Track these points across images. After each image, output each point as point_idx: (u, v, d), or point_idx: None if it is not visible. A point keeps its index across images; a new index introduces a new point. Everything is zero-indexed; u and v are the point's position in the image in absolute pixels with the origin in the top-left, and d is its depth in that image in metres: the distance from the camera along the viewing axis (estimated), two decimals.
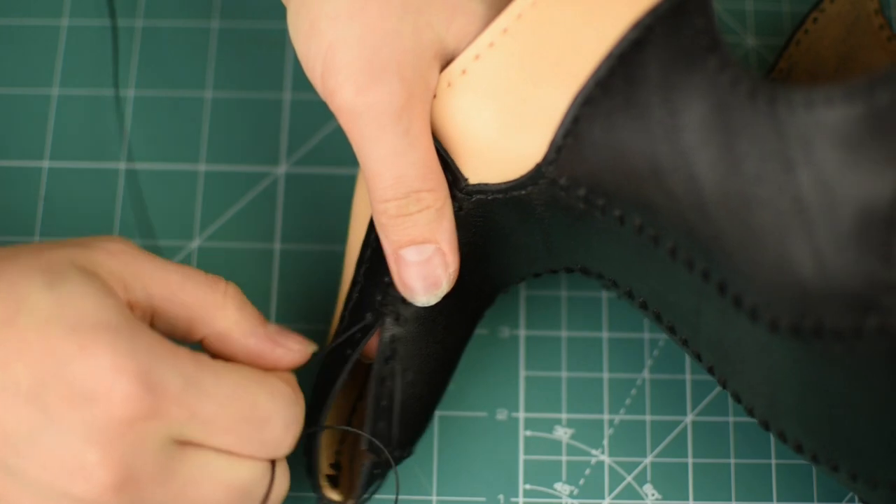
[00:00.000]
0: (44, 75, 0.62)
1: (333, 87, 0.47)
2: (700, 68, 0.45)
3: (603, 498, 0.56)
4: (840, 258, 0.43)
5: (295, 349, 0.48)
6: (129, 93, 0.62)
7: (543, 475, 0.56)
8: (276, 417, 0.46)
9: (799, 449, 0.48)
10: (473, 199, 0.50)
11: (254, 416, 0.45)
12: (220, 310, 0.48)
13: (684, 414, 0.57)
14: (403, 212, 0.48)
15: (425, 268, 0.49)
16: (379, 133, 0.47)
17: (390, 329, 0.50)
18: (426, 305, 0.50)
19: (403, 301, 0.50)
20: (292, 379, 0.48)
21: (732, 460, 0.56)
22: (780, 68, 0.55)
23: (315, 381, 0.51)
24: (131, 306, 0.46)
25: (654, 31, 0.46)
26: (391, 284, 0.50)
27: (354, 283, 0.52)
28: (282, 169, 0.60)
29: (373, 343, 0.52)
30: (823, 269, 0.43)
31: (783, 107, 0.44)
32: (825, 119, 0.43)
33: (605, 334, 0.58)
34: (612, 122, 0.46)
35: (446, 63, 0.49)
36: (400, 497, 0.56)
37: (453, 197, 0.50)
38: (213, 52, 0.62)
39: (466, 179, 0.49)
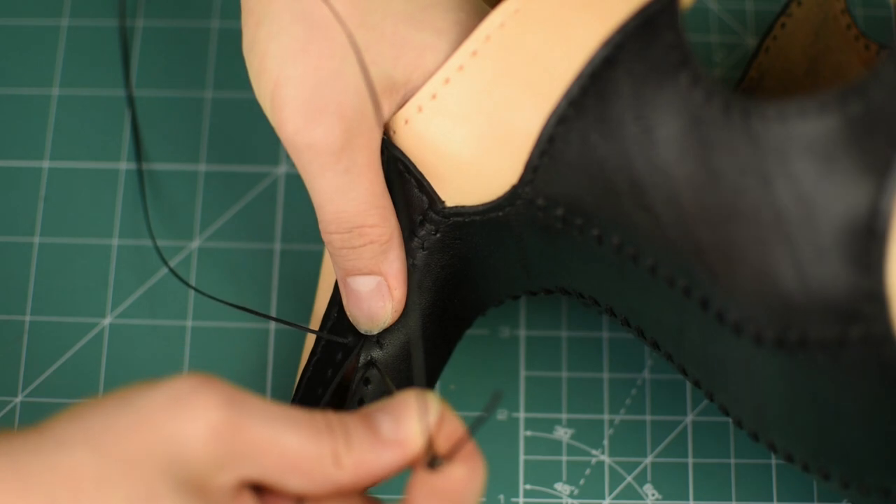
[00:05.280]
0: (44, 75, 0.62)
1: (279, 122, 0.48)
2: (672, 84, 0.45)
3: (603, 498, 0.56)
4: (821, 269, 0.43)
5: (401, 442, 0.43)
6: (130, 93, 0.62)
7: (543, 475, 0.56)
8: None
9: (789, 459, 0.48)
10: (450, 221, 0.50)
11: None
12: (337, 466, 0.42)
13: (684, 414, 0.57)
14: (347, 245, 0.49)
15: (369, 299, 0.50)
16: (320, 170, 0.48)
17: (369, 351, 0.50)
18: (369, 334, 0.50)
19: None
20: None
21: (732, 460, 0.56)
22: (751, 77, 0.55)
23: (293, 402, 0.51)
24: (239, 486, 0.42)
25: (625, 48, 0.46)
26: None
27: (333, 302, 0.52)
28: (282, 169, 0.61)
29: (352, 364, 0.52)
30: (805, 280, 0.43)
31: (757, 121, 0.44)
32: (800, 131, 0.43)
33: (605, 334, 0.58)
34: (588, 141, 0.46)
35: (400, 96, 0.49)
36: (401, 497, 0.56)
37: (430, 220, 0.50)
38: (213, 52, 0.62)
39: (443, 202, 0.49)
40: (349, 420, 0.42)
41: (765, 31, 0.55)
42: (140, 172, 0.60)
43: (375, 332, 0.51)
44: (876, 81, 0.42)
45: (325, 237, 0.49)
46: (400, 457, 0.42)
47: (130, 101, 0.61)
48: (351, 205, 0.48)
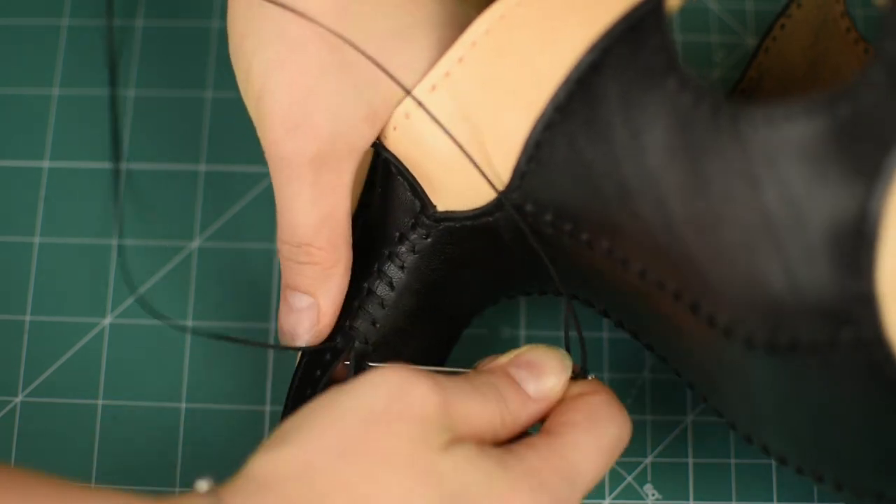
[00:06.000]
0: (44, 75, 0.62)
1: (259, 129, 0.49)
2: (659, 88, 0.45)
3: (603, 498, 0.56)
4: (811, 272, 0.43)
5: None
6: (130, 93, 0.62)
7: None
8: None
9: (783, 461, 0.48)
10: (441, 226, 0.50)
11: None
12: (502, 427, 0.47)
13: (684, 414, 0.57)
14: (293, 258, 0.50)
15: (297, 316, 0.50)
16: (285, 182, 0.48)
17: (360, 352, 0.50)
18: (284, 345, 0.51)
19: (374, 323, 0.51)
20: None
21: (732, 460, 0.56)
22: (750, 77, 0.55)
23: (284, 405, 0.51)
24: None
25: (611, 52, 0.46)
26: (360, 308, 0.51)
27: None
28: None
29: (341, 366, 0.52)
30: (795, 284, 0.43)
31: (745, 124, 0.43)
32: (788, 135, 0.43)
33: (605, 334, 0.58)
34: (575, 146, 0.46)
35: (381, 122, 0.49)
36: None
37: (421, 224, 0.50)
38: (213, 52, 0.62)
39: (434, 207, 0.49)
40: (499, 382, 0.47)
41: (765, 31, 0.55)
42: (116, 172, 0.60)
43: (292, 348, 0.51)
44: (865, 85, 0.42)
45: (278, 244, 0.50)
46: (545, 409, 0.47)
47: (113, 101, 0.61)
48: (304, 220, 0.49)
